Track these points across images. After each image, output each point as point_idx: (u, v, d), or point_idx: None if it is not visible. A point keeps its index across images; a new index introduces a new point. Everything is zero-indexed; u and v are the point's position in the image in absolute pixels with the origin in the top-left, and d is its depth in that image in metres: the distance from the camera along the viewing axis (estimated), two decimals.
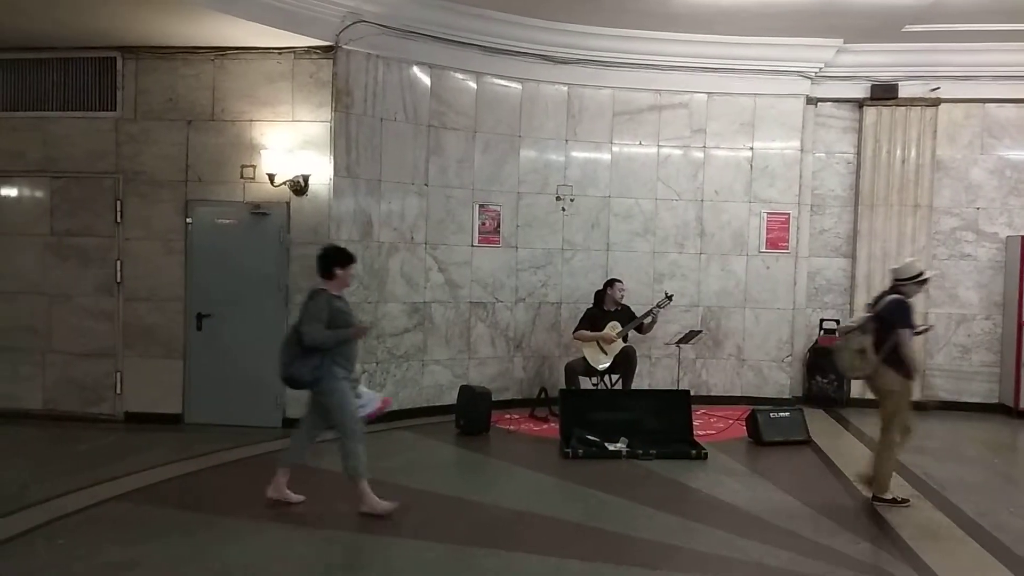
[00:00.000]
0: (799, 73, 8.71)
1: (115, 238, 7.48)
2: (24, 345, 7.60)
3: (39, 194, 7.64)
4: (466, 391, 7.56)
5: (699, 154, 8.86)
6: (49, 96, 7.53)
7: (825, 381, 8.91)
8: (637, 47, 8.43)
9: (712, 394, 8.86)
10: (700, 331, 8.57)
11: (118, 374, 7.53)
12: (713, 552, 4.59)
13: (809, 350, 9.08)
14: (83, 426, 7.27)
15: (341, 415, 5.10)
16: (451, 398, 7.72)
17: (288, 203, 7.33)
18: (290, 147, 7.26)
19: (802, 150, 8.92)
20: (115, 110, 7.44)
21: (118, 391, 7.53)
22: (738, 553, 4.56)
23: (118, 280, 7.50)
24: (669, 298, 8.12)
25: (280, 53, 7.27)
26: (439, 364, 8.14)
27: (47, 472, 5.85)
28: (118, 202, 7.47)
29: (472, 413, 7.38)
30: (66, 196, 7.57)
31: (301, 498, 5.23)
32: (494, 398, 7.66)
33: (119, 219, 7.48)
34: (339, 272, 5.11)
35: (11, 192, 7.71)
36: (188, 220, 7.41)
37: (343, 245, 5.81)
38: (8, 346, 7.60)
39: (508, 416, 7.94)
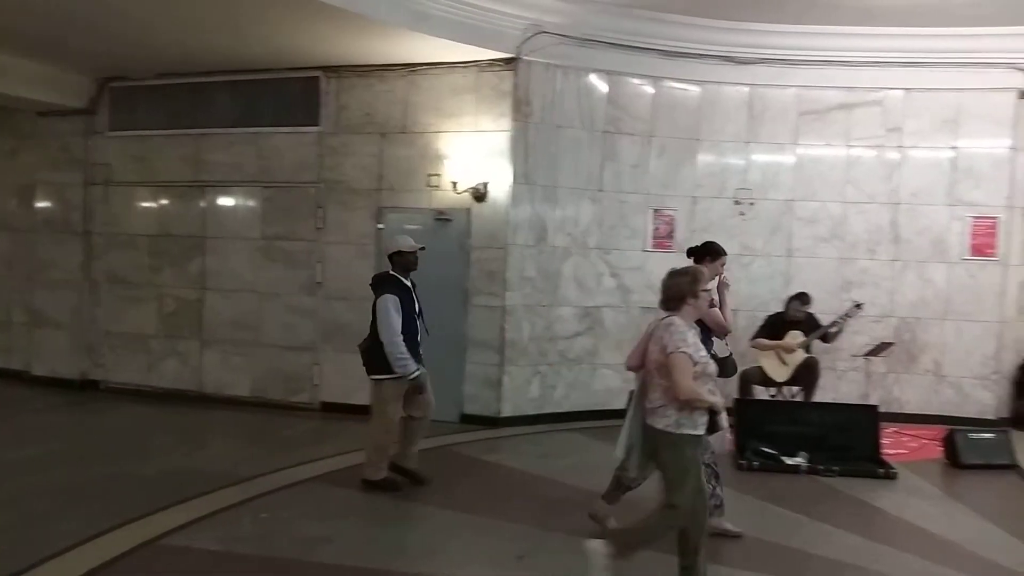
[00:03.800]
0: (1011, 65, 7.91)
1: (317, 242, 8.17)
2: (237, 338, 8.47)
3: (252, 203, 8.49)
4: None
5: (894, 154, 8.30)
6: (262, 113, 8.36)
7: None
8: (825, 43, 8.01)
9: (905, 411, 8.23)
10: (891, 343, 8.02)
11: (316, 367, 8.20)
12: None
13: (1019, 367, 8.24)
14: (285, 413, 8.00)
15: None
16: (621, 402, 7.57)
17: (469, 209, 7.67)
18: (472, 156, 7.60)
19: (1014, 148, 8.12)
20: (318, 125, 8.14)
21: (316, 382, 8.20)
22: None
23: (318, 281, 8.18)
24: (858, 307, 7.69)
25: (465, 67, 7.63)
26: (610, 368, 8.16)
27: (255, 453, 6.50)
28: (319, 209, 8.16)
29: None
30: (275, 204, 8.37)
31: None
32: None
33: (320, 225, 8.16)
34: None
35: (229, 201, 8.63)
36: (379, 226, 7.95)
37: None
38: (224, 338, 8.50)
39: None
